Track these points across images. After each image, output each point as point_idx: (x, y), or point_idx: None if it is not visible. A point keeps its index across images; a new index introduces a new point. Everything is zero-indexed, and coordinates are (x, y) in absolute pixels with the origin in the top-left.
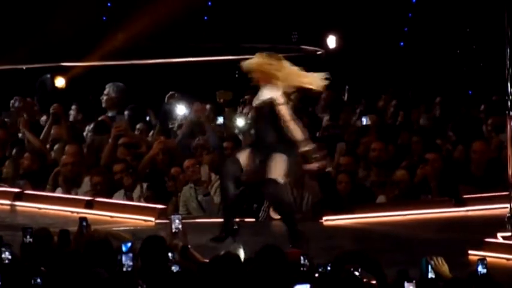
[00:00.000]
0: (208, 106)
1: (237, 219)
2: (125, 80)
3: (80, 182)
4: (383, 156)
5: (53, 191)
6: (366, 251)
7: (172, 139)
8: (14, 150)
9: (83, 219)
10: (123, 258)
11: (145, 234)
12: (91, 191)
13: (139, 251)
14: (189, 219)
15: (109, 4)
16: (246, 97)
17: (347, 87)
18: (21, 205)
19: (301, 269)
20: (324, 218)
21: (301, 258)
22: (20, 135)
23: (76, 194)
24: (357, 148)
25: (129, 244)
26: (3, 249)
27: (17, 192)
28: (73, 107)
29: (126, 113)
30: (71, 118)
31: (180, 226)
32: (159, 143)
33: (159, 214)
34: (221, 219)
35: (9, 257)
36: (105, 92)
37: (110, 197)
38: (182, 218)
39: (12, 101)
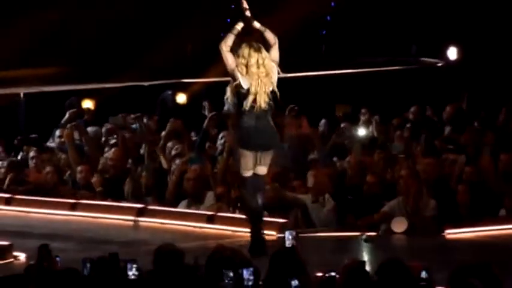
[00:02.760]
0: (323, 121)
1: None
2: None
3: (203, 197)
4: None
5: (176, 205)
6: (488, 264)
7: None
8: (139, 169)
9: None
10: (244, 272)
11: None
12: (214, 204)
13: (270, 265)
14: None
15: (228, 20)
16: (363, 110)
17: (466, 94)
18: (144, 220)
19: (421, 283)
20: (446, 231)
21: (423, 272)
22: (141, 151)
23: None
24: (479, 159)
25: (251, 269)
26: (129, 265)
27: (140, 207)
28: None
29: None
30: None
31: (294, 242)
32: None
33: (280, 228)
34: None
35: (136, 272)
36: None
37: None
38: (299, 233)
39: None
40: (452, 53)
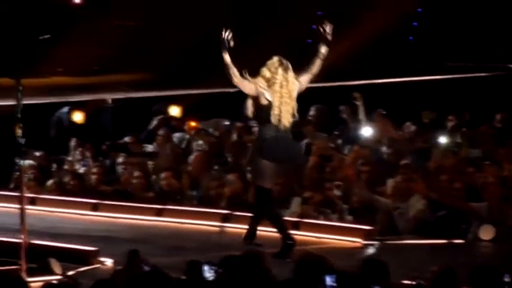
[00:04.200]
0: (413, 128)
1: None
2: (330, 102)
3: (289, 202)
4: None
5: None
6: None
7: (368, 149)
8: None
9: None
10: (327, 279)
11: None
12: (298, 210)
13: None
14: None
15: (313, 27)
16: (450, 117)
17: None
18: (230, 226)
19: (505, 286)
20: None
21: (506, 275)
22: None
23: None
24: None
25: (334, 276)
26: (205, 267)
27: (225, 213)
28: None
29: (335, 133)
30: None
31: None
32: (354, 152)
33: (366, 235)
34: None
35: (214, 274)
36: (310, 113)
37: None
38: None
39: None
40: None
